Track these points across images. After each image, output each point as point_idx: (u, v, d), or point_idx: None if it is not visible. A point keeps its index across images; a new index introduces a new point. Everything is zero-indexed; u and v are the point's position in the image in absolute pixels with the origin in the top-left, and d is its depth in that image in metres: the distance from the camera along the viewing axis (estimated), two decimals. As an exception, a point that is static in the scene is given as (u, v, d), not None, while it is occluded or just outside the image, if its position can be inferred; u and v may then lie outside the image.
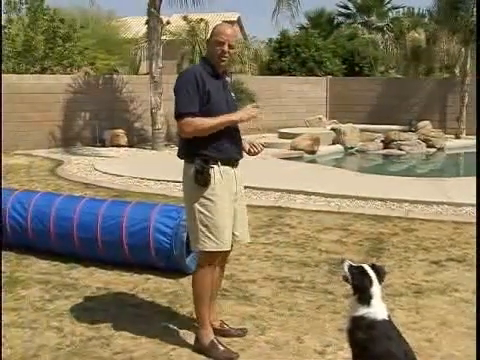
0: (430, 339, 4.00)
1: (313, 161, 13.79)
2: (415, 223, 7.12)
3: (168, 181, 9.78)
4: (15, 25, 18.34)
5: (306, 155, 14.15)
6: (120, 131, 16.23)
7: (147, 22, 15.48)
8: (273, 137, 17.12)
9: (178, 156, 3.86)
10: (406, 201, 8.15)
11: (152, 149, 15.27)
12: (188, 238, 5.10)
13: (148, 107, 15.87)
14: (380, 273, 3.17)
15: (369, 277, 3.12)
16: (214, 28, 3.85)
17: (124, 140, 16.07)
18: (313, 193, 8.76)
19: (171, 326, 4.17)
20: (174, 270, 5.17)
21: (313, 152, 14.35)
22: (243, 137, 4.06)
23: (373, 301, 3.07)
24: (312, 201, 8.43)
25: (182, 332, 4.07)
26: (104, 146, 15.81)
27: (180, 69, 22.47)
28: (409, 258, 5.79)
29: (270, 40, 27.08)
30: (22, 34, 17.88)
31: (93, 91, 16.64)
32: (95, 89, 16.75)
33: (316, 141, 14.50)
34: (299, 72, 23.41)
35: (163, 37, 16.57)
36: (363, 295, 3.08)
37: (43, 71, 17.86)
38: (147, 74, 17.22)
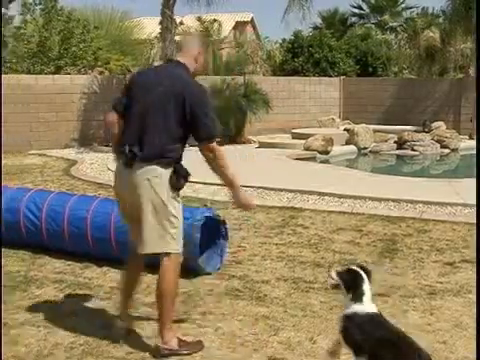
0: (445, 341, 3.98)
1: (326, 162, 13.76)
2: (429, 224, 7.08)
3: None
4: (30, 26, 18.46)
5: (319, 155, 14.11)
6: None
7: (161, 22, 15.54)
8: (286, 137, 17.10)
9: (147, 160, 3.71)
10: (420, 202, 8.11)
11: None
12: (201, 238, 5.15)
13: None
14: (368, 272, 3.28)
15: (360, 275, 3.24)
16: (195, 38, 4.03)
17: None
18: (326, 194, 8.74)
19: (184, 326, 4.18)
20: (186, 270, 5.17)
21: (326, 152, 14.32)
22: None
23: (365, 298, 3.18)
24: (325, 202, 8.41)
25: (195, 332, 4.08)
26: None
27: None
28: (423, 259, 5.77)
29: (283, 40, 27.06)
30: (37, 35, 17.99)
31: (107, 91, 16.70)
32: (109, 89, 16.80)
33: (329, 141, 14.46)
34: (312, 73, 23.38)
35: (176, 37, 16.59)
36: (357, 293, 3.18)
37: (57, 71, 17.96)
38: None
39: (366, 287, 3.21)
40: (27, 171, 11.56)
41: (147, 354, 3.77)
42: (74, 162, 12.87)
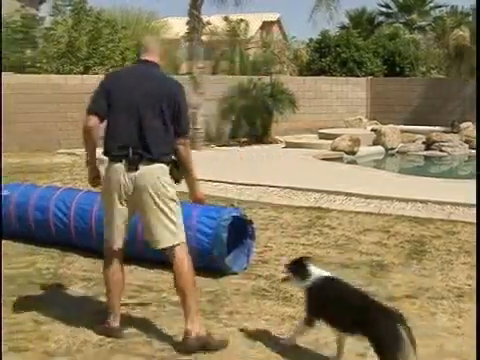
0: (474, 345, 3.93)
1: (353, 162, 13.70)
2: (457, 226, 7.01)
3: (207, 180, 9.82)
4: (60, 27, 18.68)
5: (346, 156, 14.06)
6: (160, 131, 16.35)
7: (188, 22, 15.60)
8: (313, 138, 17.05)
9: (154, 160, 3.85)
10: (448, 203, 8.03)
11: (192, 149, 15.32)
12: (228, 238, 5.16)
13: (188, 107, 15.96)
14: (309, 259, 3.91)
15: (303, 259, 3.89)
16: (157, 39, 4.21)
17: (164, 140, 16.19)
18: (353, 194, 8.70)
19: (210, 324, 4.20)
20: (214, 270, 5.20)
21: (353, 153, 14.25)
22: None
23: (312, 270, 3.77)
24: (352, 202, 8.37)
25: (222, 331, 4.09)
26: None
27: (217, 70, 22.58)
28: (451, 261, 5.71)
29: (310, 40, 26.95)
30: (66, 35, 18.20)
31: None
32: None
33: (356, 142, 14.39)
34: (339, 73, 23.27)
35: (203, 37, 16.65)
36: (304, 273, 3.76)
37: (86, 71, 18.14)
38: (187, 74, 17.33)
39: (310, 266, 3.80)
40: (56, 170, 11.70)
41: (175, 352, 3.79)
42: (101, 161, 12.95)
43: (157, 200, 3.84)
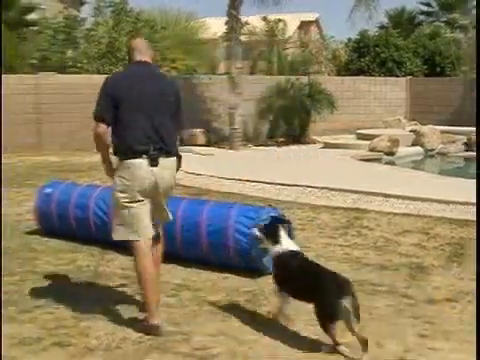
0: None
1: (392, 163, 13.56)
2: (499, 228, 6.88)
3: (245, 180, 9.86)
4: (101, 27, 18.94)
5: (385, 157, 13.93)
6: (198, 130, 16.45)
7: (226, 23, 15.65)
8: (350, 138, 16.94)
9: (170, 154, 4.20)
10: (489, 205, 7.89)
11: (230, 149, 15.41)
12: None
13: (226, 107, 16.03)
14: (282, 225, 4.21)
15: (276, 226, 4.15)
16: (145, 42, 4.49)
17: (202, 139, 16.29)
18: (392, 195, 8.62)
19: (249, 324, 4.21)
20: (252, 269, 5.21)
21: (392, 154, 14.12)
22: None
23: (282, 241, 4.06)
24: (391, 203, 8.29)
25: (260, 331, 4.10)
26: (182, 145, 16.05)
27: (255, 70, 22.60)
28: (493, 264, 5.61)
29: (349, 40, 26.75)
30: (107, 36, 18.44)
31: (173, 91, 16.94)
32: (175, 89, 17.04)
33: (395, 142, 14.25)
34: (378, 73, 23.05)
35: (241, 37, 16.69)
36: (275, 239, 4.07)
37: (125, 71, 18.36)
38: (225, 74, 17.40)
39: (282, 234, 4.09)
40: (96, 168, 11.84)
41: (213, 351, 3.81)
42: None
43: (171, 188, 4.30)
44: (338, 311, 3.63)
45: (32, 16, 21.37)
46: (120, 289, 4.93)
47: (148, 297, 4.12)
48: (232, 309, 4.49)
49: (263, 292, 4.82)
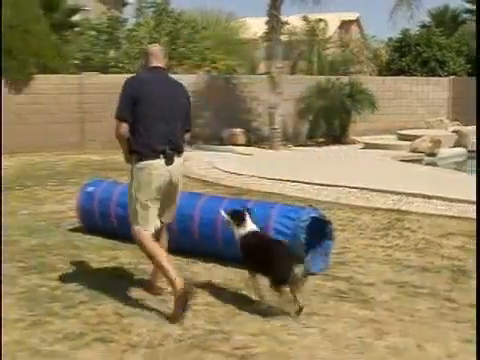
0: None
1: (433, 164, 13.38)
2: None
3: (286, 180, 9.84)
4: (142, 28, 19.15)
5: (426, 158, 13.75)
6: (238, 130, 16.51)
7: (267, 23, 15.65)
8: (391, 139, 16.76)
9: (181, 153, 4.59)
10: None
11: (270, 148, 15.41)
12: (306, 238, 5.15)
13: (266, 106, 16.03)
14: (248, 211, 4.69)
15: (242, 211, 4.65)
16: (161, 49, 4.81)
17: (242, 139, 16.34)
18: (433, 197, 8.50)
19: (289, 324, 4.20)
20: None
21: (433, 154, 13.93)
22: None
23: (247, 223, 4.58)
24: (432, 205, 8.18)
25: (300, 331, 4.09)
26: (223, 144, 16.14)
27: (295, 70, 22.53)
28: None
29: (390, 39, 26.44)
30: (148, 36, 18.63)
31: (213, 91, 17.04)
32: (215, 89, 17.14)
33: (437, 143, 14.05)
34: (420, 72, 22.73)
35: (281, 37, 16.67)
36: (242, 223, 4.58)
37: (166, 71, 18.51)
38: (265, 74, 17.39)
39: (247, 218, 4.60)
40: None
41: (253, 351, 3.81)
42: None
43: (181, 184, 4.67)
44: (290, 277, 4.15)
45: (76, 17, 21.74)
46: (161, 286, 4.96)
47: (165, 268, 4.41)
48: (272, 308, 4.48)
49: (304, 292, 4.79)
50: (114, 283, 5.05)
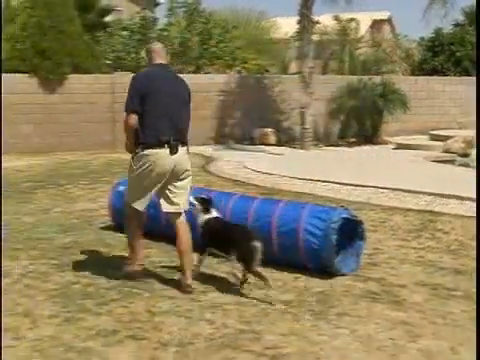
0: None
1: (466, 165, 13.17)
2: None
3: (317, 180, 9.81)
4: (174, 28, 19.25)
5: (459, 158, 13.57)
6: (269, 130, 16.50)
7: (298, 22, 15.62)
8: (423, 139, 16.59)
9: (184, 144, 4.97)
10: None
11: (300, 148, 15.37)
12: (337, 238, 5.13)
13: (297, 106, 15.99)
14: (210, 198, 5.26)
15: (207, 199, 5.22)
16: (163, 46, 5.20)
17: (273, 139, 16.33)
18: (467, 198, 8.37)
19: (320, 325, 4.19)
20: (323, 271, 5.18)
21: (466, 155, 13.73)
22: None
23: (212, 210, 5.14)
24: (466, 206, 8.06)
25: (331, 332, 4.07)
26: (253, 144, 16.15)
27: (326, 69, 22.43)
28: None
29: (422, 39, 26.16)
30: (179, 36, 18.73)
31: (244, 90, 17.06)
32: (246, 88, 17.15)
33: (469, 144, 13.86)
34: (453, 72, 22.45)
35: (313, 36, 16.62)
36: (207, 208, 5.12)
37: (197, 71, 18.57)
38: (296, 74, 17.35)
39: (211, 204, 5.17)
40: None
41: (284, 351, 3.81)
42: (211, 158, 13.26)
43: (186, 173, 4.99)
44: (251, 250, 4.67)
45: (108, 18, 21.96)
46: (192, 285, 4.98)
47: (134, 245, 5.15)
48: (303, 309, 4.47)
49: (334, 293, 4.79)
50: (146, 282, 5.08)
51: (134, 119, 4.82)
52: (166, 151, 4.80)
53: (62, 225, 7.16)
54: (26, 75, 14.99)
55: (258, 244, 4.71)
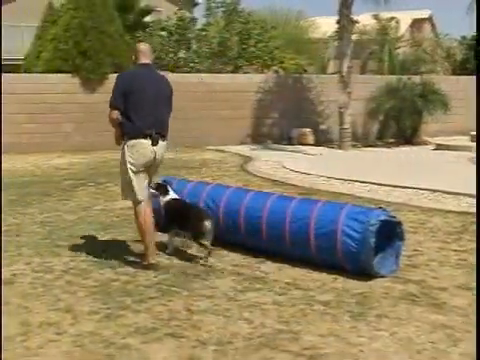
0: None
1: (509, 166, 12.92)
2: None
3: (355, 181, 9.74)
4: (212, 28, 19.32)
5: (500, 160, 13.29)
6: (307, 130, 16.45)
7: (338, 22, 15.53)
8: (465, 140, 16.31)
9: (165, 138, 5.50)
10: None
11: (339, 148, 15.28)
12: (376, 239, 5.08)
13: (335, 106, 15.90)
14: (169, 183, 6.03)
15: (164, 184, 5.92)
16: (148, 47, 5.69)
17: (311, 139, 16.28)
18: (510, 200, 8.20)
19: (359, 327, 4.16)
20: (362, 273, 5.14)
21: (509, 157, 13.45)
22: None
23: (170, 192, 5.87)
24: (509, 209, 7.90)
25: (370, 334, 4.04)
26: (291, 144, 16.11)
27: (365, 69, 22.23)
28: None
29: (464, 38, 25.73)
30: (218, 36, 18.78)
31: (282, 90, 17.04)
32: (284, 88, 17.13)
33: (513, 145, 13.56)
34: (496, 71, 22.01)
35: (352, 36, 16.50)
36: (165, 192, 5.85)
37: (236, 70, 18.61)
38: (335, 73, 17.25)
39: (170, 189, 5.90)
40: (205, 165, 12.15)
41: (322, 351, 3.80)
42: (249, 158, 13.28)
43: (161, 162, 5.59)
44: (203, 228, 5.48)
45: (148, 18, 22.15)
46: (231, 285, 5.01)
47: (146, 241, 5.43)
48: (342, 310, 4.45)
49: (374, 295, 4.75)
50: (184, 280, 5.12)
51: (115, 114, 5.33)
52: (148, 142, 5.32)
53: (102, 223, 7.26)
54: (68, 75, 15.24)
55: (209, 222, 5.52)
